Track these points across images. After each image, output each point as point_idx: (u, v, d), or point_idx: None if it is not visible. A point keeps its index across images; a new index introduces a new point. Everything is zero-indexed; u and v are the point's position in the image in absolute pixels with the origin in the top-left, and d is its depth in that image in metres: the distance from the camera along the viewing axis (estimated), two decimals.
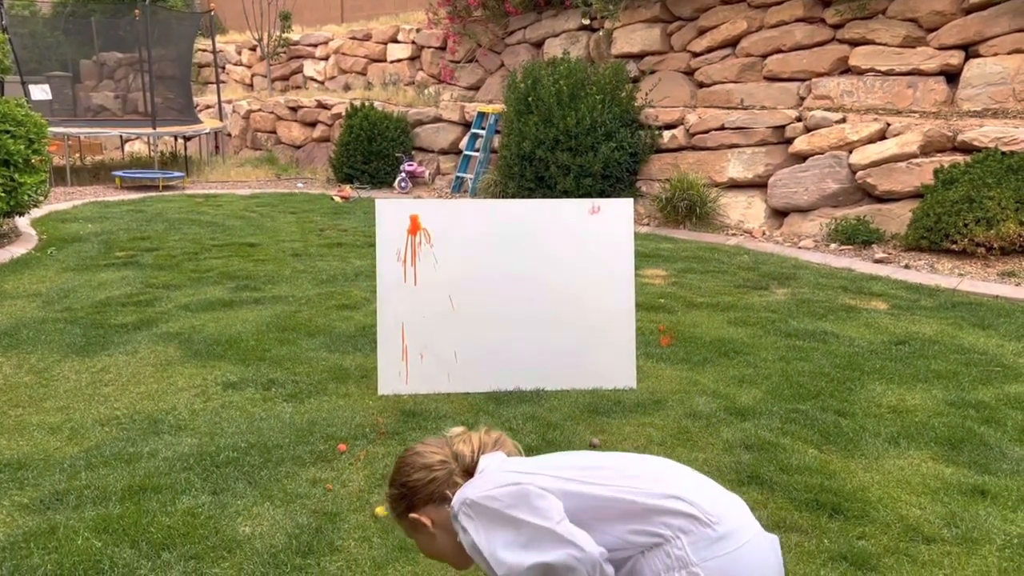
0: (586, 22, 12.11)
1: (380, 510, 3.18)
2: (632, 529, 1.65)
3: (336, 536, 3.02)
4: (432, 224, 4.46)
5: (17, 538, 2.96)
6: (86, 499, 3.24)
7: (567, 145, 9.90)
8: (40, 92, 14.34)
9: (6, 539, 2.96)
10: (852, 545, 2.95)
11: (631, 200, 4.59)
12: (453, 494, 1.77)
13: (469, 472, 1.82)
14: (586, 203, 4.55)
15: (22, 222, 9.08)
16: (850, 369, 4.73)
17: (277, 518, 3.14)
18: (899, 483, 3.42)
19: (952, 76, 8.98)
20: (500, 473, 1.74)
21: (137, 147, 17.57)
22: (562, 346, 4.47)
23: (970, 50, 8.86)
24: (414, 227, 4.46)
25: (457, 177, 12.32)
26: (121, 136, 15.69)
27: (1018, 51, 8.46)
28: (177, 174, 13.29)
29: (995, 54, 8.61)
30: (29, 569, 2.78)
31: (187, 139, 14.97)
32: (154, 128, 14.00)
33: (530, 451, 3.66)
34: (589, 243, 4.50)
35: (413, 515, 1.83)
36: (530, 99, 10.22)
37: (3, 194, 7.62)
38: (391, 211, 4.48)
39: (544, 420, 4.04)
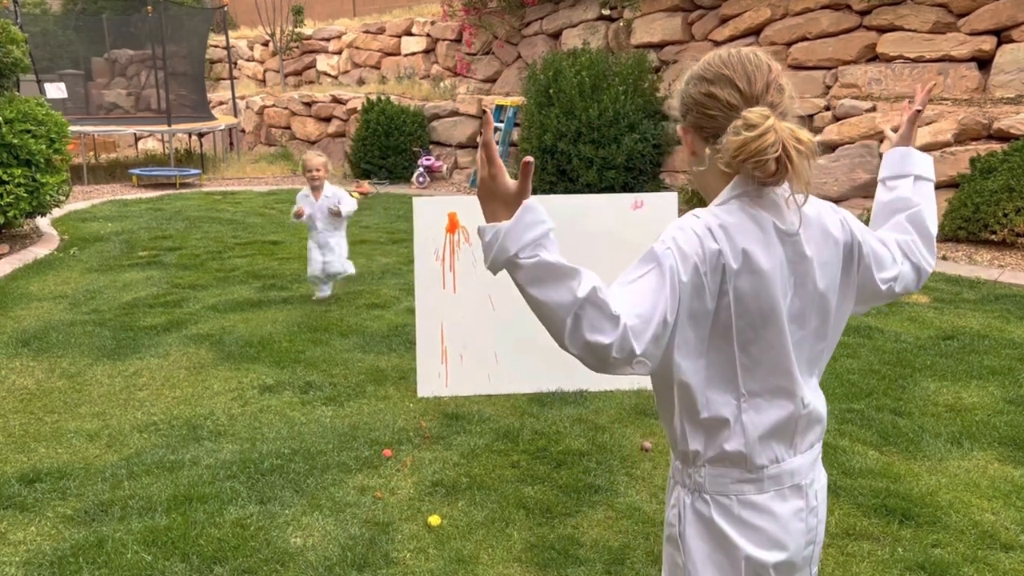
0: (605, 12, 11.96)
1: (434, 519, 3.08)
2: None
3: (391, 547, 2.92)
4: (470, 222, 4.35)
5: (65, 552, 2.87)
6: (131, 510, 3.15)
7: (589, 137, 9.76)
8: (56, 91, 14.29)
9: (53, 553, 2.88)
10: (928, 554, 2.84)
11: (675, 194, 4.47)
12: (717, 144, 1.41)
13: (727, 158, 1.37)
14: (628, 198, 4.43)
15: (43, 222, 9.02)
16: (900, 366, 4.60)
17: (328, 528, 3.05)
18: (967, 486, 3.29)
19: (984, 62, 8.79)
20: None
21: (150, 144, 17.52)
22: None
23: (1002, 35, 8.67)
24: (452, 225, 4.35)
25: (475, 171, 12.20)
26: (135, 134, 15.63)
27: None
28: (193, 171, 13.21)
29: None
30: None
31: (201, 136, 14.90)
32: (169, 125, 13.92)
33: (580, 456, 3.57)
34: (632, 239, 4.37)
35: (679, 127, 1.53)
36: (551, 91, 10.08)
37: (25, 194, 7.55)
38: (428, 209, 4.37)
39: (591, 423, 3.93)
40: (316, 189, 5.88)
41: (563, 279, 1.29)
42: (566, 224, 4.36)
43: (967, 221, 7.16)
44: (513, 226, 1.30)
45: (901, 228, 1.69)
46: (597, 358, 1.30)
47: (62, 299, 6.16)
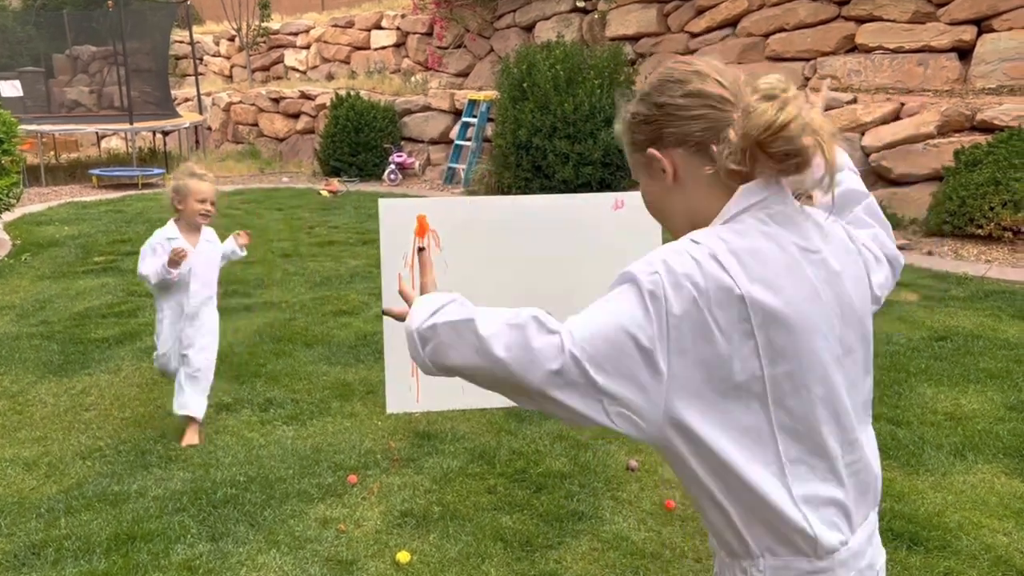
0: (580, 4, 11.71)
1: (402, 556, 2.81)
2: None
3: None
4: (441, 225, 4.06)
5: None
6: (67, 552, 2.85)
7: (565, 132, 9.50)
8: (10, 88, 13.79)
9: None
10: None
11: None
12: (715, 146, 1.18)
13: (748, 144, 1.15)
14: (608, 197, 4.17)
15: None
16: (894, 370, 4.39)
17: (286, 569, 2.77)
18: (975, 504, 3.08)
19: (964, 52, 8.64)
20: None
21: (114, 143, 17.02)
22: None
23: (983, 25, 8.52)
24: (421, 228, 4.06)
25: (449, 168, 11.90)
26: (97, 132, 15.14)
27: None
28: (157, 171, 12.79)
29: (1009, 28, 8.28)
30: None
31: (166, 134, 14.46)
32: (131, 123, 13.47)
33: (562, 478, 3.32)
34: (613, 241, 4.12)
35: (653, 151, 1.25)
36: (525, 85, 9.80)
37: None
38: (395, 211, 4.08)
39: (572, 440, 3.67)
40: (193, 231, 3.82)
41: (481, 319, 1.18)
42: (545, 225, 4.10)
43: (952, 215, 6.99)
44: (413, 309, 1.30)
45: (861, 222, 1.46)
46: (547, 380, 1.11)
47: (9, 310, 5.80)
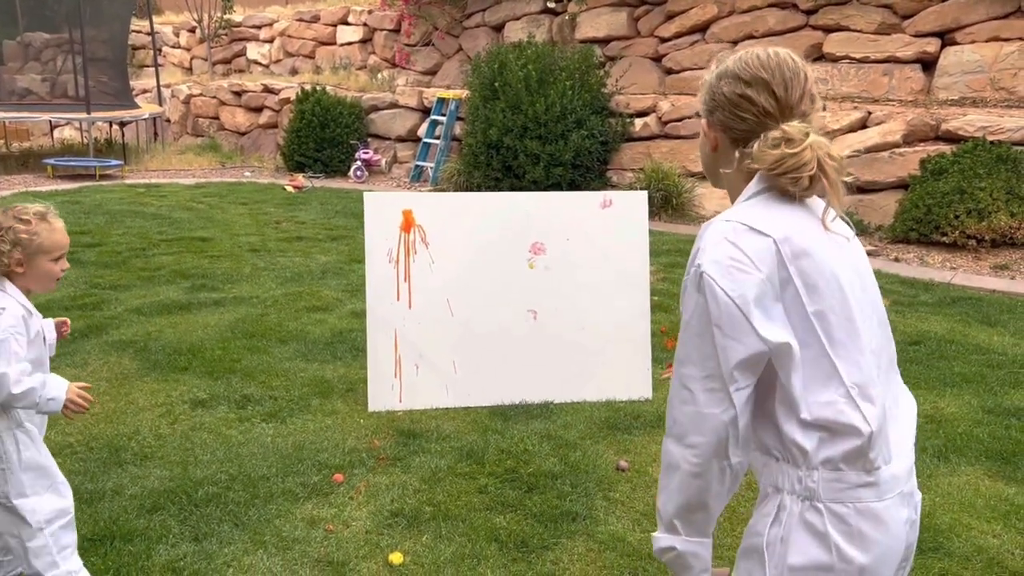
0: (550, 5, 11.69)
1: (395, 557, 2.74)
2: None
3: None
4: (427, 220, 4.01)
5: None
6: None
7: (536, 133, 9.47)
8: None
9: None
10: None
11: (645, 193, 4.20)
12: (748, 148, 1.41)
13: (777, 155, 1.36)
14: (597, 196, 4.15)
15: None
16: None
17: (275, 570, 2.68)
18: (963, 506, 3.11)
19: (928, 64, 8.82)
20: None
21: (67, 133, 16.55)
22: (571, 354, 4.07)
23: (946, 38, 8.71)
24: (407, 224, 4.00)
25: (416, 166, 11.79)
26: (51, 121, 14.70)
27: (996, 39, 8.33)
28: (115, 162, 12.46)
29: (972, 42, 8.47)
30: None
31: (123, 125, 14.10)
32: (88, 113, 13.10)
33: (553, 478, 3.28)
34: (600, 240, 4.10)
35: (705, 123, 1.50)
36: (497, 84, 9.75)
37: None
38: (381, 205, 4.01)
39: (560, 439, 3.63)
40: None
41: None
42: (532, 222, 4.07)
43: (919, 223, 7.12)
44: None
45: None
46: None
47: None
